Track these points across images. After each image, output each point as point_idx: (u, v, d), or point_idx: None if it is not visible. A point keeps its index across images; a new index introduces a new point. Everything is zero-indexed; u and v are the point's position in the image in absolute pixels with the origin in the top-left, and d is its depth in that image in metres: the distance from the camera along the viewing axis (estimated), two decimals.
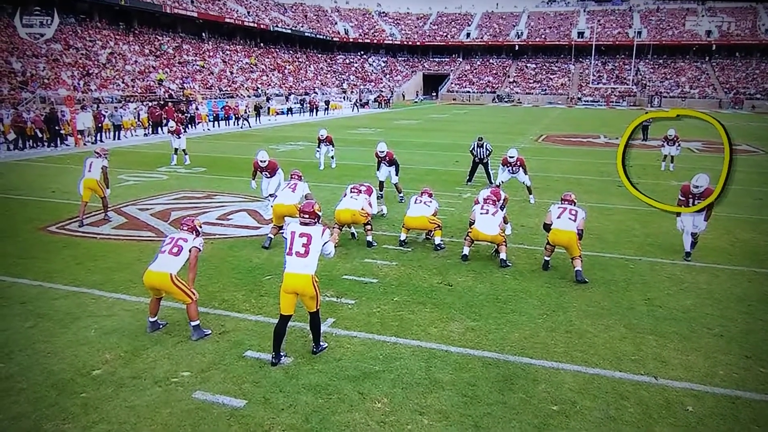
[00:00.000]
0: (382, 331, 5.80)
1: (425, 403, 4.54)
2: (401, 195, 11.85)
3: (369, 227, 8.79)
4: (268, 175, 10.48)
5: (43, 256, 8.18)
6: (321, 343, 5.39)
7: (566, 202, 7.73)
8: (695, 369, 5.09)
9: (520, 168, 11.92)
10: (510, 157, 11.84)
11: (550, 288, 7.05)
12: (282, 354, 5.17)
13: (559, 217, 7.52)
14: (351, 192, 9.00)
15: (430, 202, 8.81)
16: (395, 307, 6.44)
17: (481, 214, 8.01)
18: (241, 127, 30.95)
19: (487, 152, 13.66)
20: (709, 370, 5.07)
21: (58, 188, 13.06)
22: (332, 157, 16.34)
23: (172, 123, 19.12)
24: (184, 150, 17.00)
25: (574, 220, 7.44)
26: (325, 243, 5.23)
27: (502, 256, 7.90)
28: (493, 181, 13.09)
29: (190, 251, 5.68)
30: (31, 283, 7.10)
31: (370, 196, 9.20)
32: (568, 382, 4.86)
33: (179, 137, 16.95)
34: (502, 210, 8.79)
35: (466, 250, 8.13)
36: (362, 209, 8.71)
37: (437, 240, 8.68)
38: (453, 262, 8.02)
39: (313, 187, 9.82)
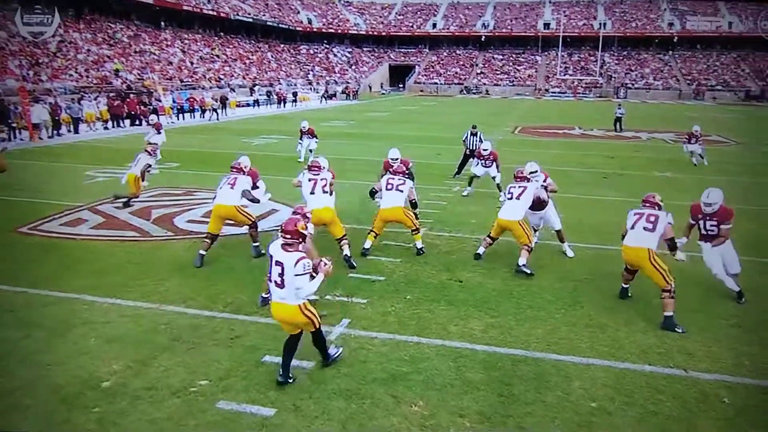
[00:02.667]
0: (402, 331, 5.62)
1: (462, 404, 4.39)
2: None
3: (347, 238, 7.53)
4: None
5: (23, 259, 7.66)
6: (330, 353, 4.90)
7: (647, 205, 6.08)
8: (721, 360, 5.10)
9: (493, 162, 11.55)
10: (483, 150, 11.49)
11: (561, 283, 6.98)
12: (290, 376, 4.64)
13: (632, 227, 5.99)
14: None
15: (403, 183, 7.68)
16: (409, 305, 6.26)
17: (507, 199, 7.39)
18: (209, 120, 30.09)
19: (480, 142, 13.50)
20: (735, 361, 5.09)
21: (24, 186, 12.30)
22: (311, 151, 15.96)
23: (154, 117, 18.20)
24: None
25: (652, 230, 5.82)
26: (297, 276, 4.29)
27: (522, 261, 7.08)
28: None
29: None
30: (14, 289, 6.59)
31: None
32: (600, 378, 4.79)
33: (159, 132, 15.99)
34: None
35: (480, 250, 7.71)
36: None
37: (419, 244, 7.90)
38: (458, 258, 7.87)
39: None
